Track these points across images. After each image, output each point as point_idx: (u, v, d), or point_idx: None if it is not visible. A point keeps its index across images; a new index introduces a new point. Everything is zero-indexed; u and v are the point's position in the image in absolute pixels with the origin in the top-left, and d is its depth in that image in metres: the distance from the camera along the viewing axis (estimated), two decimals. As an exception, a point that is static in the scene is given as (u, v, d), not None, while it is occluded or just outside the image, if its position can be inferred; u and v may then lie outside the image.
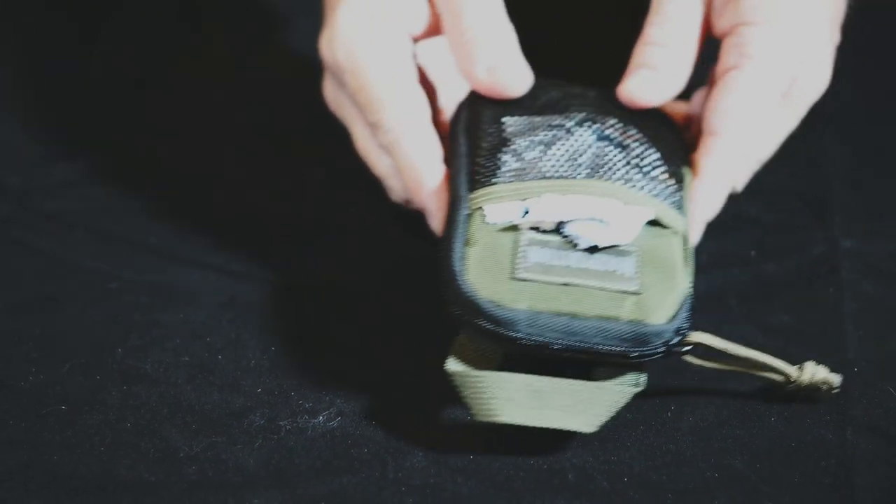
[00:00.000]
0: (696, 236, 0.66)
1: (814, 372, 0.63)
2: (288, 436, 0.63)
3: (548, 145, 0.65)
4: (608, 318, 0.60)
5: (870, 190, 0.74)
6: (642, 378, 0.62)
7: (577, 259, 0.61)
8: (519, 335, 0.60)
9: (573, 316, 0.60)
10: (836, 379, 0.63)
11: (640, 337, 0.60)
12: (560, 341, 0.60)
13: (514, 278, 0.61)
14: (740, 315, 0.68)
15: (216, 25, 0.83)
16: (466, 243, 0.62)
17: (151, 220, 0.73)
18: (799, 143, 0.76)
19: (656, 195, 0.64)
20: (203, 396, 0.65)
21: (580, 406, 0.60)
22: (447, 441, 0.63)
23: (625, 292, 0.61)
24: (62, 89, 0.79)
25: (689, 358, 0.63)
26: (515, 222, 0.62)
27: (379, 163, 0.68)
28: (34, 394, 0.65)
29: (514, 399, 0.60)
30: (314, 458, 0.62)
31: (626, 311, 0.60)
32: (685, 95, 0.70)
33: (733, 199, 0.71)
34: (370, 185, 0.72)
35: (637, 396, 0.65)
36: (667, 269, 0.62)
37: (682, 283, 0.62)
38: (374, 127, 0.66)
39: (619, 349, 0.60)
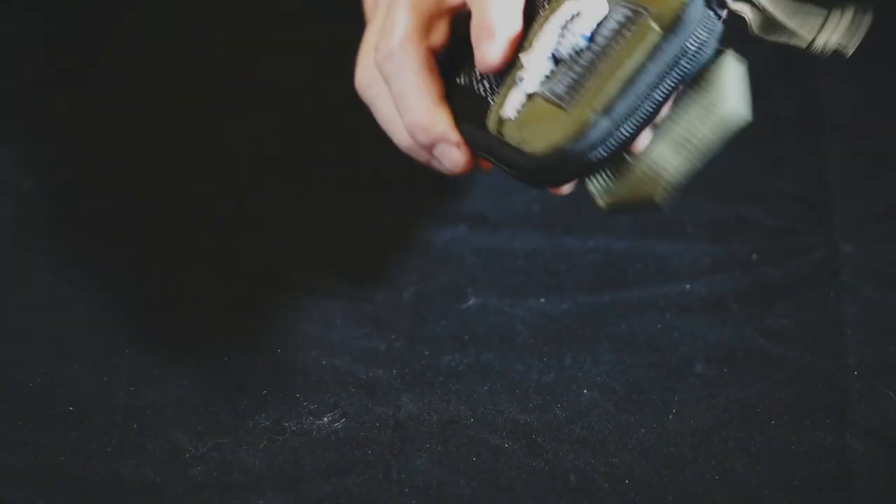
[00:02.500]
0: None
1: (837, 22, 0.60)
2: (293, 437, 0.64)
3: None
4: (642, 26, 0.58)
5: (871, 195, 0.74)
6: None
7: (578, 45, 0.60)
8: (613, 138, 0.58)
9: (624, 75, 0.58)
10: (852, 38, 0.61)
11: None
12: (639, 101, 0.58)
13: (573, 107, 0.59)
14: (741, 318, 0.68)
15: (222, 28, 0.83)
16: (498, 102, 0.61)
17: (159, 222, 0.73)
18: (800, 147, 0.76)
19: None
20: (209, 398, 0.65)
21: (705, 118, 0.59)
22: (450, 443, 0.64)
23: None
24: (71, 93, 0.79)
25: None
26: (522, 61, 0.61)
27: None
28: (42, 394, 0.65)
29: (672, 157, 0.59)
30: (319, 460, 0.63)
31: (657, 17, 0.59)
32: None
33: (735, 202, 0.71)
34: (378, 188, 0.72)
35: (639, 399, 0.66)
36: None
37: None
38: None
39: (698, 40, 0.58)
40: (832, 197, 0.74)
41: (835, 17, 0.60)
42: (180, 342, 0.68)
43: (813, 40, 0.60)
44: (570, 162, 0.59)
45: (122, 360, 0.67)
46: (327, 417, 0.64)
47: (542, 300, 0.69)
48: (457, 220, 0.73)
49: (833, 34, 0.60)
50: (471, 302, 0.69)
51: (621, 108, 0.58)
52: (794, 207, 0.73)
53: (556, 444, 0.63)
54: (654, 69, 0.58)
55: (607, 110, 0.58)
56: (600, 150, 0.59)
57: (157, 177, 0.75)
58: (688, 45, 0.59)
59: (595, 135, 0.59)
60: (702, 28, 0.59)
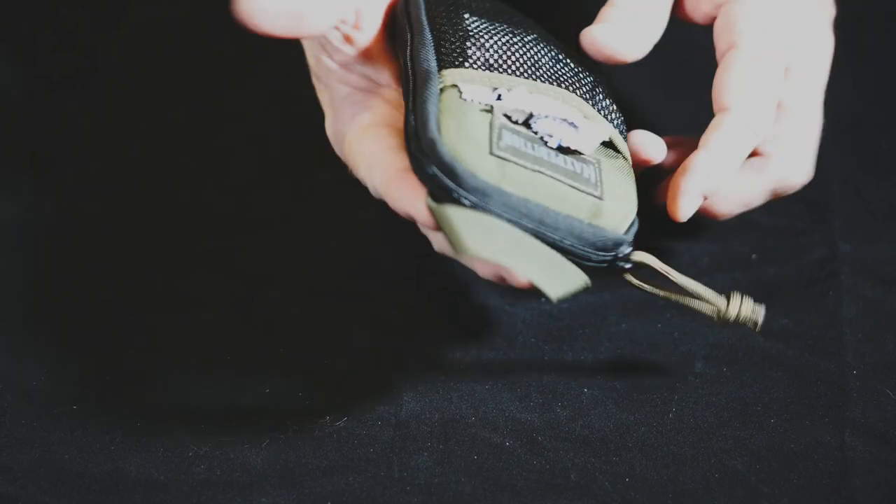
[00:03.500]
0: (687, 207, 0.64)
1: (739, 303, 0.62)
2: (295, 436, 0.64)
3: (512, 48, 0.64)
4: (574, 216, 0.60)
5: (869, 195, 0.74)
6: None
7: (546, 153, 0.61)
8: (490, 207, 0.59)
9: (542, 205, 0.59)
10: (760, 313, 0.63)
11: (599, 241, 0.60)
12: (527, 225, 0.59)
13: (491, 154, 0.60)
14: (741, 317, 0.69)
15: (225, 31, 0.83)
16: (441, 112, 0.61)
17: (162, 221, 0.73)
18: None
19: (610, 120, 0.65)
20: (212, 397, 0.65)
21: (551, 270, 0.59)
22: (452, 441, 0.64)
23: (591, 195, 0.60)
24: (73, 94, 0.79)
25: (630, 277, 0.62)
26: (491, 105, 0.61)
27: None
28: (47, 393, 0.65)
29: (499, 241, 0.58)
30: (321, 458, 0.63)
31: (586, 212, 0.60)
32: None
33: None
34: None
35: (639, 398, 0.66)
36: (621, 187, 0.62)
37: (633, 202, 0.62)
38: None
39: (579, 248, 0.60)
40: (831, 197, 0.74)
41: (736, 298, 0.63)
42: (183, 341, 0.68)
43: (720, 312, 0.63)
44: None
45: (125, 360, 0.67)
46: (329, 416, 0.64)
47: (543, 299, 0.70)
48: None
49: (742, 306, 0.63)
50: (472, 301, 0.69)
51: (516, 202, 0.59)
52: (794, 207, 0.73)
53: (557, 443, 0.64)
54: (562, 228, 0.60)
55: (485, 193, 0.59)
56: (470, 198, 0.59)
57: (158, 177, 0.75)
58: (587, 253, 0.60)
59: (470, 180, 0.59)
60: (608, 257, 0.61)
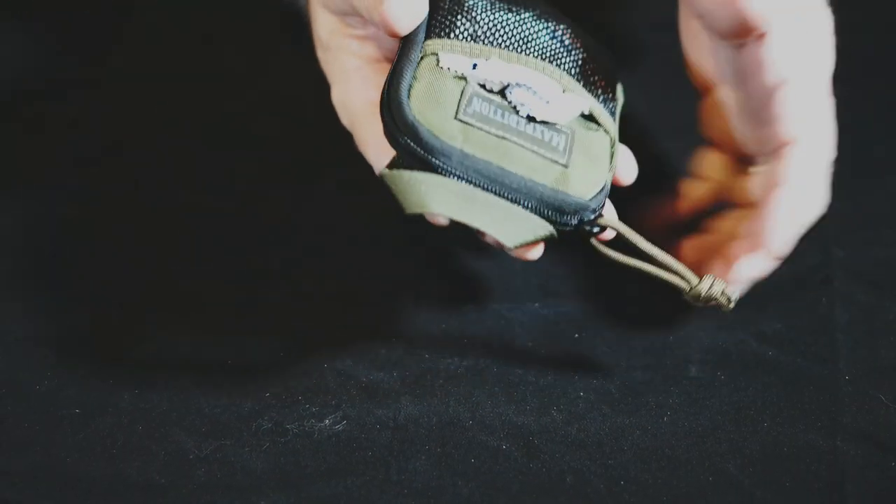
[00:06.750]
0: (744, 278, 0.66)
1: (711, 283, 0.63)
2: (295, 439, 0.64)
3: (503, 23, 0.65)
4: (534, 179, 0.61)
5: (862, 200, 0.74)
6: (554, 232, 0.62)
7: (515, 121, 0.63)
8: (450, 168, 0.61)
9: (502, 167, 0.61)
10: (733, 293, 0.63)
11: (560, 205, 0.61)
12: (485, 185, 0.61)
13: (456, 118, 0.62)
14: (735, 322, 0.69)
15: (228, 38, 0.83)
16: (415, 79, 0.63)
17: (164, 228, 0.73)
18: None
19: (596, 96, 0.66)
20: (212, 400, 0.66)
21: (506, 221, 0.61)
22: (449, 444, 0.64)
23: (555, 161, 0.62)
24: (77, 99, 0.79)
25: (596, 242, 0.63)
26: (465, 73, 0.63)
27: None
28: (49, 397, 0.65)
29: (446, 197, 0.61)
30: (320, 461, 0.63)
31: (551, 177, 0.62)
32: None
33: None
34: (379, 193, 0.72)
35: (634, 402, 0.66)
36: (593, 157, 0.63)
37: (603, 172, 0.63)
38: None
39: (542, 211, 0.61)
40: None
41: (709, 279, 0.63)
42: (184, 346, 0.68)
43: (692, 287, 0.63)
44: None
45: (127, 364, 0.67)
46: (328, 420, 0.65)
47: (540, 304, 0.70)
48: (457, 225, 0.73)
49: (714, 285, 0.63)
50: (470, 306, 0.70)
51: (475, 163, 0.61)
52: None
53: (553, 446, 0.64)
54: (520, 190, 0.61)
55: (462, 161, 0.61)
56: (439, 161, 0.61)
57: (160, 181, 0.75)
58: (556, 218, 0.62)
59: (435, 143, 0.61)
60: (573, 220, 0.62)
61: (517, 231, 0.61)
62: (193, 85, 0.80)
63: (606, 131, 0.65)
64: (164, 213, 0.74)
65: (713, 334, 0.68)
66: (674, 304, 0.68)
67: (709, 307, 0.64)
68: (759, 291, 0.67)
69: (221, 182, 0.75)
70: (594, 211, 0.62)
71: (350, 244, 0.73)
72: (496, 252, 0.71)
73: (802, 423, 0.65)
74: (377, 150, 0.64)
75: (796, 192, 0.65)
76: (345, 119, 0.67)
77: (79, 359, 0.67)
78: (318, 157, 0.75)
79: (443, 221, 0.62)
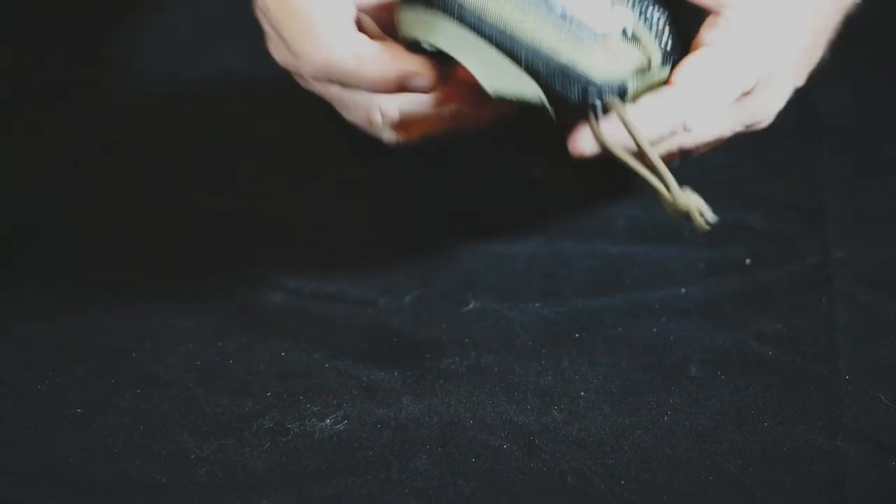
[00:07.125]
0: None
1: (689, 196, 0.61)
2: (296, 438, 0.64)
3: None
4: (550, 48, 0.61)
5: (862, 200, 0.74)
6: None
7: (548, 8, 0.62)
8: (466, 18, 0.61)
9: (517, 22, 0.61)
10: (710, 216, 0.61)
11: (565, 73, 0.61)
12: (494, 36, 0.61)
13: None
14: (735, 321, 0.69)
15: (227, 36, 0.83)
16: None
17: (165, 227, 0.73)
18: (794, 154, 0.77)
19: (645, 21, 0.64)
20: (214, 400, 0.65)
21: (496, 68, 0.61)
22: (450, 444, 0.64)
23: (577, 37, 0.61)
24: (76, 99, 0.79)
25: (592, 123, 0.62)
26: None
27: (324, 90, 0.66)
28: (50, 397, 0.65)
29: (446, 33, 0.61)
30: (321, 461, 0.63)
31: (567, 50, 0.61)
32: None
33: (730, 208, 0.71)
34: (380, 193, 0.72)
35: (635, 401, 0.66)
36: (616, 55, 0.62)
37: (624, 70, 0.62)
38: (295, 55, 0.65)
39: (542, 72, 0.61)
40: (825, 203, 0.74)
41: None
42: (185, 345, 0.68)
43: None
44: None
45: (128, 363, 0.67)
46: (330, 419, 0.65)
47: (541, 304, 0.70)
48: (457, 225, 0.73)
49: (692, 198, 0.61)
50: (470, 306, 0.70)
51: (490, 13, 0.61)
52: (788, 213, 0.73)
53: (554, 446, 0.64)
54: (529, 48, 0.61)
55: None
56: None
57: (160, 181, 0.75)
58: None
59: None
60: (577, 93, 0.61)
61: (502, 80, 0.60)
62: (193, 85, 0.80)
63: (643, 49, 0.63)
64: (164, 213, 0.74)
65: (713, 334, 0.68)
66: (672, 305, 0.68)
67: (687, 222, 0.61)
68: (760, 291, 0.67)
69: (221, 182, 0.75)
70: (600, 93, 0.61)
71: (350, 244, 0.73)
72: (496, 252, 0.71)
73: (803, 422, 0.65)
74: (326, 29, 0.63)
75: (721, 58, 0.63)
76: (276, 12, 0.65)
77: (79, 359, 0.67)
78: (318, 157, 0.75)
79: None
